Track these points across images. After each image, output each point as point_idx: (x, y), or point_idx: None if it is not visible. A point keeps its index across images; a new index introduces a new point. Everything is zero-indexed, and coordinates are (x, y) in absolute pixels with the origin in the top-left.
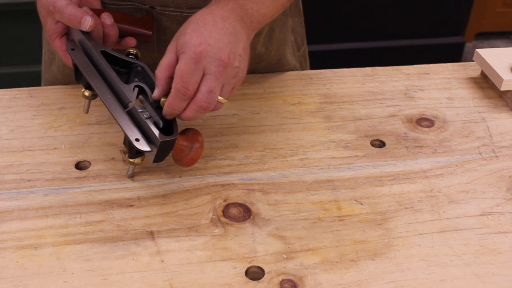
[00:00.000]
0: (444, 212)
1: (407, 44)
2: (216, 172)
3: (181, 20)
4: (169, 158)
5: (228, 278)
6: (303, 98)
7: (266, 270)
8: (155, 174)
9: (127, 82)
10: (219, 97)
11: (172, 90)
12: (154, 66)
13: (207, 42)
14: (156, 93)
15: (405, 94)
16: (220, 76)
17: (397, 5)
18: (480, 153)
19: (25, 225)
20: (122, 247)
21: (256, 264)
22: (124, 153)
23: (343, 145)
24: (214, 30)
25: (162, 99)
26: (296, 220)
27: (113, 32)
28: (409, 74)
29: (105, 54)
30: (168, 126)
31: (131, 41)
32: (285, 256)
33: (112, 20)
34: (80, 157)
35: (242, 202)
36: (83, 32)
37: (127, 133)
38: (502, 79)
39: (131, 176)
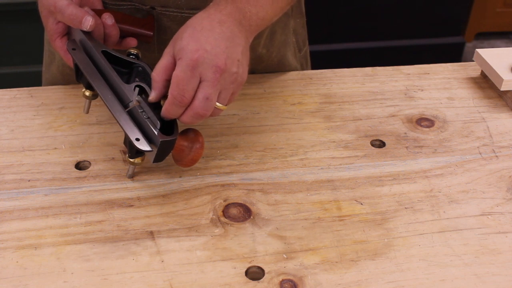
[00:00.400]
0: (444, 212)
1: (407, 44)
2: (216, 172)
3: (182, 21)
4: (169, 158)
5: (228, 278)
6: (303, 98)
7: (266, 270)
8: (155, 174)
9: (128, 82)
10: (217, 104)
11: (169, 97)
12: (154, 66)
13: (203, 48)
14: (152, 96)
15: (405, 94)
16: (217, 82)
17: (397, 5)
18: (480, 153)
19: (25, 225)
20: (122, 247)
21: (256, 264)
22: (124, 153)
23: (343, 145)
24: (211, 35)
25: (162, 100)
26: (296, 220)
27: (114, 33)
28: (409, 74)
29: (106, 54)
30: (168, 126)
31: (132, 42)
32: (285, 256)
33: (113, 21)
34: (80, 157)
35: (242, 202)
36: (84, 32)
37: (127, 132)
38: (502, 79)
39: (131, 176)
